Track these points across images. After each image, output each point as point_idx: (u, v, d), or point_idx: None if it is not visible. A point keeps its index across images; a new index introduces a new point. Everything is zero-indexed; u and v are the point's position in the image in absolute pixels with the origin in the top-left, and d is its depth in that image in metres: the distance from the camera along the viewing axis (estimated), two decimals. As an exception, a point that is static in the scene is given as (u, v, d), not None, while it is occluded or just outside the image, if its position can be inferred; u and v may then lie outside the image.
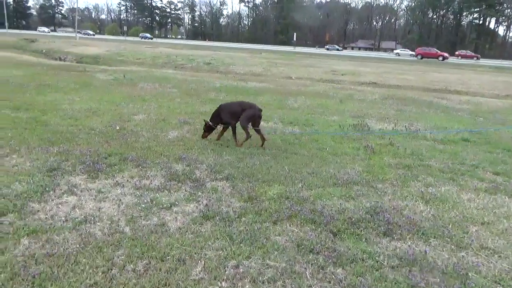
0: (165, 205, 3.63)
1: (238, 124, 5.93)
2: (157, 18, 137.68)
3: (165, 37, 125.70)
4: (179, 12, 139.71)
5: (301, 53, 55.42)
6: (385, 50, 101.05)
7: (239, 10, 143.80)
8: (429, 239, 3.28)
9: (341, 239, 3.20)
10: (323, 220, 3.46)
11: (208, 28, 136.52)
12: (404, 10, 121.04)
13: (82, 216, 3.30)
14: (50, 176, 4.14)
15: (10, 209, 3.30)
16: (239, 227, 3.29)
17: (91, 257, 2.71)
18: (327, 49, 77.14)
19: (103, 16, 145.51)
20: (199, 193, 3.98)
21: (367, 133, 7.37)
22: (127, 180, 4.21)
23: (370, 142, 6.59)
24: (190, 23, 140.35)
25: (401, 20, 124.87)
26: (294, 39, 72.88)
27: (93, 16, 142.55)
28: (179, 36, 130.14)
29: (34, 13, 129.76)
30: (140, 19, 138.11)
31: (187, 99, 10.19)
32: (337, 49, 77.63)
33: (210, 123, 5.93)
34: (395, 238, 3.26)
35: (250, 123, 5.82)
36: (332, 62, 38.25)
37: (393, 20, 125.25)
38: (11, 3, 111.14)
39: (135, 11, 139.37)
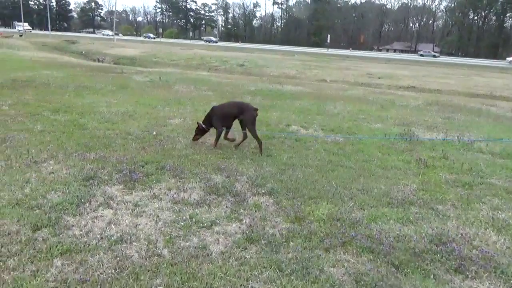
0: (205, 224, 3.34)
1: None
2: (191, 20, 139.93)
3: (199, 38, 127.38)
4: (212, 14, 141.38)
5: (335, 55, 54.44)
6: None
7: (272, 12, 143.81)
8: (510, 279, 2.80)
9: (405, 274, 2.78)
10: (382, 250, 3.05)
11: (241, 30, 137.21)
12: (443, 11, 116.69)
13: (118, 234, 3.07)
14: (86, 186, 3.96)
15: (44, 223, 3.12)
16: (288, 254, 2.94)
17: (127, 285, 2.45)
18: (434, 56, 66.72)
19: (139, 18, 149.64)
20: (241, 210, 3.67)
21: (415, 139, 6.82)
22: (165, 193, 3.96)
23: (421, 154, 6.06)
24: (223, 25, 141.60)
25: (440, 22, 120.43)
26: (328, 41, 71.80)
27: (130, 18, 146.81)
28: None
29: (75, 15, 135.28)
30: (175, 21, 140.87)
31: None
32: (434, 56, 67.73)
33: (203, 125, 5.65)
34: (469, 276, 2.81)
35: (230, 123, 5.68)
36: (367, 65, 37.21)
37: (430, 21, 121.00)
38: (54, 6, 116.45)
39: (170, 13, 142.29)
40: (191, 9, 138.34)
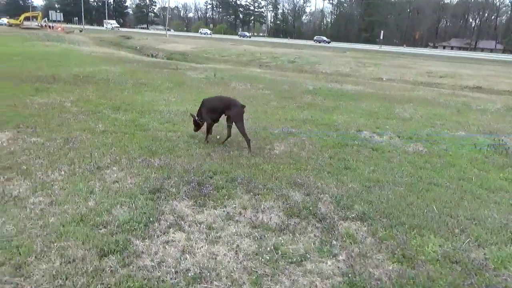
0: (294, 258, 2.77)
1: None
2: (240, 16, 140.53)
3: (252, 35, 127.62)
4: (262, 9, 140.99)
5: (388, 52, 51.88)
6: (482, 50, 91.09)
7: (323, 7, 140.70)
8: None
9: None
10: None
11: (290, 26, 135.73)
12: (508, 5, 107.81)
13: (196, 269, 2.58)
14: (153, 200, 3.54)
15: (112, 247, 2.70)
16: (407, 311, 2.30)
17: None
18: None
19: (190, 14, 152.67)
20: (333, 241, 3.06)
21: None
22: (240, 212, 3.44)
23: (529, 172, 5.11)
24: (272, 20, 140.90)
25: (503, 17, 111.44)
26: (381, 37, 68.77)
27: (181, 14, 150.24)
28: (261, 34, 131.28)
29: (131, 12, 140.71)
30: (225, 17, 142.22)
31: (283, 103, 9.38)
32: None
33: (197, 118, 5.59)
34: None
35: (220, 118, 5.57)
36: (426, 63, 34.95)
37: (493, 17, 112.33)
38: (112, 3, 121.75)
39: (220, 9, 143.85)
40: (241, 5, 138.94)
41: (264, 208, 3.56)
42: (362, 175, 4.62)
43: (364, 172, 4.73)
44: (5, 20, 68.84)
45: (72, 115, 6.62)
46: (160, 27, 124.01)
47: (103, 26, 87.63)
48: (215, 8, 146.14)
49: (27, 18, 63.27)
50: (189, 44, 48.25)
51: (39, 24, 61.98)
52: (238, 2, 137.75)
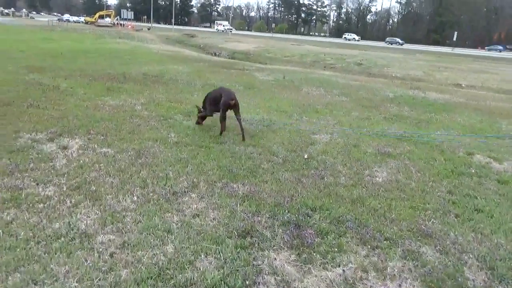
0: None
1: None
2: (302, 15, 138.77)
3: (308, 34, 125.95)
4: (325, 9, 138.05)
5: (461, 55, 47.78)
6: None
7: (390, 7, 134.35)
8: None
9: None
10: None
11: (353, 26, 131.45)
12: None
13: None
14: (244, 248, 2.77)
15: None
16: None
17: None
18: None
19: (252, 14, 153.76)
20: None
21: None
22: (360, 277, 2.55)
23: None
24: (335, 20, 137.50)
25: None
26: (454, 38, 63.85)
27: (243, 14, 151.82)
28: (322, 34, 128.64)
29: (195, 11, 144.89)
30: (286, 16, 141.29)
31: (365, 113, 8.30)
32: None
33: (202, 110, 5.88)
34: None
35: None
36: (507, 68, 31.32)
37: None
38: (178, 2, 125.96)
39: (282, 8, 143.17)
40: (303, 4, 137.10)
41: (391, 272, 2.64)
42: (505, 223, 3.51)
43: (505, 218, 3.61)
44: (82, 18, 73.75)
45: (143, 121, 6.14)
46: (223, 22, 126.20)
47: (170, 24, 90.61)
48: (277, 8, 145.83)
49: (101, 16, 67.10)
50: (251, 43, 48.03)
51: (111, 22, 65.53)
52: (301, 1, 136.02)
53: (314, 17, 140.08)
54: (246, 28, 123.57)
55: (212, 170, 4.21)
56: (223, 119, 5.46)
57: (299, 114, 7.60)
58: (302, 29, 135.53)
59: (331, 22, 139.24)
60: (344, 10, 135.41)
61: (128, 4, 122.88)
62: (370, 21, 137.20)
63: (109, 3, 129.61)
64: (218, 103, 5.46)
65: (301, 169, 4.50)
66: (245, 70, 14.92)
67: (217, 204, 3.41)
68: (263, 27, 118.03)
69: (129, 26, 62.36)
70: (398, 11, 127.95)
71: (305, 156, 4.89)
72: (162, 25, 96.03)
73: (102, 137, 5.11)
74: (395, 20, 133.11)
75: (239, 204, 3.44)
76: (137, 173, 3.97)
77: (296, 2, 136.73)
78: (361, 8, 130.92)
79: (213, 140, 5.33)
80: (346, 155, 5.11)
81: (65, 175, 3.81)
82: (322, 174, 4.36)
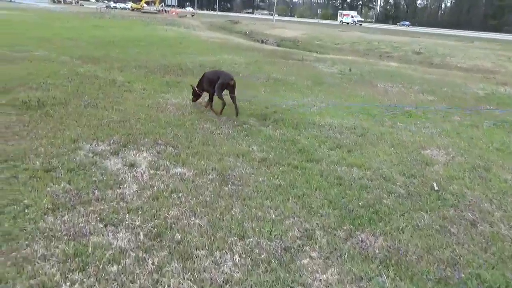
0: None
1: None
2: (348, 0, 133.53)
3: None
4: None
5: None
6: None
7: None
8: None
9: None
10: None
11: (402, 11, 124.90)
12: None
13: None
14: None
15: None
16: None
17: None
18: None
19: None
20: None
21: None
22: None
23: None
24: (382, 5, 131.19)
25: None
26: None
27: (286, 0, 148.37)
28: (368, 20, 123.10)
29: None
30: (330, 2, 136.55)
31: (467, 119, 6.90)
32: None
33: (196, 89, 5.99)
34: None
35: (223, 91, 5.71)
36: None
37: None
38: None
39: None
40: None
41: None
42: None
43: None
44: (129, 5, 74.75)
45: (215, 126, 5.21)
46: (265, 11, 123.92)
47: (213, 10, 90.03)
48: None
49: (147, 3, 67.58)
50: (297, 29, 46.26)
51: (156, 9, 65.84)
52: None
53: (360, 2, 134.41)
54: (289, 14, 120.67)
55: (323, 207, 3.18)
56: (218, 94, 5.65)
57: (390, 119, 6.38)
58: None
59: (377, 7, 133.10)
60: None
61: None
62: (420, 6, 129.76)
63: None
64: (213, 85, 5.67)
65: (437, 207, 3.35)
66: (304, 61, 13.70)
67: (353, 275, 2.37)
68: (306, 13, 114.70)
69: (173, 13, 62.35)
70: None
71: (435, 187, 3.72)
72: (205, 11, 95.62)
73: (173, 150, 4.21)
74: (448, 4, 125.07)
75: (384, 274, 2.38)
76: (228, 210, 3.01)
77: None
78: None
79: (302, 156, 4.28)
80: (484, 185, 3.90)
81: (139, 211, 2.93)
82: (470, 218, 3.20)
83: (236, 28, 51.02)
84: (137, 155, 4.03)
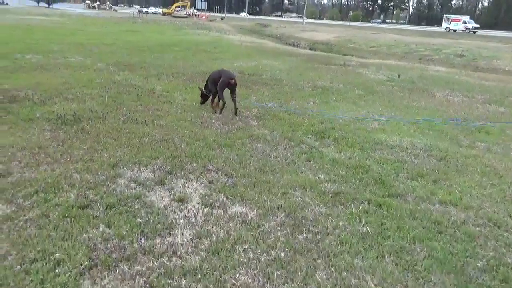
0: None
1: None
2: (379, 1, 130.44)
3: (384, 21, 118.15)
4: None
5: None
6: None
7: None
8: None
9: None
10: None
11: (435, 12, 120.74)
12: None
13: None
14: None
15: None
16: None
17: None
18: None
19: (324, 1, 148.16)
20: None
21: None
22: None
23: None
24: (414, 6, 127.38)
25: None
26: None
27: (315, 1, 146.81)
28: (401, 21, 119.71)
29: (267, 0, 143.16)
30: (361, 4, 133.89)
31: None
32: None
33: (204, 90, 5.95)
34: None
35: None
36: None
37: None
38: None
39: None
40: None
41: None
42: None
43: None
44: (160, 9, 75.91)
45: (269, 146, 4.53)
46: (294, 14, 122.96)
47: (242, 14, 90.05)
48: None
49: (177, 7, 68.26)
50: (329, 32, 45.20)
51: (186, 13, 66.34)
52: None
53: (392, 3, 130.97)
54: (318, 16, 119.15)
55: (431, 270, 2.41)
56: (219, 94, 5.65)
57: (466, 137, 5.50)
58: (382, 16, 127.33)
59: (410, 8, 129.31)
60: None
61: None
62: (455, 6, 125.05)
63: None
64: (217, 84, 5.63)
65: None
66: (346, 66, 12.85)
67: None
68: (336, 15, 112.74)
69: (203, 17, 62.61)
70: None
71: None
72: (234, 15, 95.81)
73: (226, 179, 3.56)
74: (485, 4, 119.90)
75: None
76: (311, 275, 2.31)
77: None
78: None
79: (381, 189, 3.52)
80: None
81: (197, 273, 2.27)
82: None
83: (266, 31, 50.53)
84: (186, 185, 3.40)
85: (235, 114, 5.73)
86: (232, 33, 34.60)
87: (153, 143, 4.37)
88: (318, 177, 3.72)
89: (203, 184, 3.44)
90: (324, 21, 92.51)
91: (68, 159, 3.78)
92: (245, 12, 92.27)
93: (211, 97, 5.96)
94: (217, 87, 5.61)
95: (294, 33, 45.47)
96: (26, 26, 21.48)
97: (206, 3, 79.07)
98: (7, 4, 69.80)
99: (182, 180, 3.50)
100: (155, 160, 3.88)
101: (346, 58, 16.19)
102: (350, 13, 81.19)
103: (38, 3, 78.84)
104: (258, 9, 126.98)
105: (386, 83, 9.93)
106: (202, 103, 6.11)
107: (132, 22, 36.81)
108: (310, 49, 29.62)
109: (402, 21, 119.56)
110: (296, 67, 11.62)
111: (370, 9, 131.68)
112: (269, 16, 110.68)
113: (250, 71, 10.08)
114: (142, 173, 3.60)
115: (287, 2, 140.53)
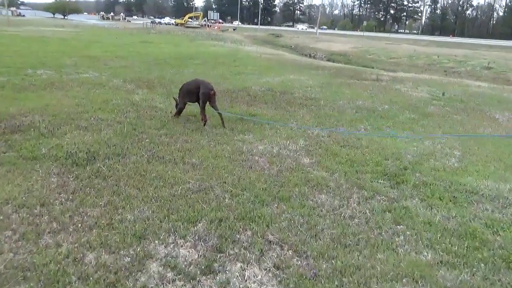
0: None
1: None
2: (391, 11, 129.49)
3: (396, 32, 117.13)
4: (417, 4, 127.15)
5: None
6: None
7: (494, 0, 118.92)
8: None
9: None
10: None
11: (450, 22, 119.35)
12: None
13: None
14: None
15: None
16: None
17: None
18: None
19: (335, 12, 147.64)
20: None
21: None
22: None
23: None
24: (428, 16, 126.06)
25: None
26: None
27: (327, 12, 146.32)
28: (414, 31, 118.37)
29: (278, 10, 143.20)
30: (373, 14, 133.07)
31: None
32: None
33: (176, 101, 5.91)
34: None
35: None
36: None
37: None
38: (262, 2, 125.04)
39: (368, 5, 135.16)
40: (393, 0, 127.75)
41: None
42: None
43: None
44: (172, 20, 75.99)
45: (337, 199, 3.49)
46: (305, 24, 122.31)
47: (253, 24, 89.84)
48: (362, 5, 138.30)
49: (190, 18, 68.17)
50: (344, 43, 44.33)
51: (199, 23, 66.16)
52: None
53: (405, 13, 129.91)
54: (327, 27, 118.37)
55: None
56: (203, 109, 5.46)
57: None
58: (396, 26, 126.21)
59: (423, 18, 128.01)
60: (439, 4, 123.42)
61: (213, 6, 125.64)
62: (470, 16, 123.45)
63: (196, 5, 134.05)
64: (193, 95, 5.57)
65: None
66: (380, 81, 11.79)
67: None
68: (348, 25, 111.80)
69: (216, 27, 62.30)
70: (506, 4, 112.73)
71: None
72: (246, 25, 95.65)
73: (300, 263, 2.52)
74: (500, 14, 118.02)
75: None
76: None
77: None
78: (461, 2, 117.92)
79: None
80: None
81: None
82: None
83: (280, 42, 49.73)
84: (246, 274, 2.38)
85: (223, 125, 5.56)
86: (247, 44, 33.87)
87: (188, 195, 3.36)
88: (424, 256, 2.66)
89: (270, 272, 2.41)
90: (335, 31, 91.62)
91: (79, 225, 2.79)
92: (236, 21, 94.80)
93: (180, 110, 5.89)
94: (201, 100, 5.43)
95: (309, 44, 44.64)
96: (41, 37, 20.94)
97: (218, 14, 78.99)
98: (23, 15, 70.49)
99: (239, 264, 2.47)
100: (194, 226, 2.87)
101: (373, 71, 15.13)
102: (364, 23, 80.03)
103: (54, 14, 79.65)
104: (269, 19, 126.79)
105: (433, 102, 8.84)
106: (175, 115, 5.92)
107: (146, 32, 36.36)
108: (328, 60, 28.69)
109: (414, 31, 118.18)
110: (327, 83, 10.60)
111: (382, 19, 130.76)
112: (280, 26, 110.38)
113: (279, 88, 9.10)
114: (180, 249, 2.59)
115: (298, 12, 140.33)
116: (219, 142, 4.92)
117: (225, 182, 3.68)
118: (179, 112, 5.91)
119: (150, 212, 3.04)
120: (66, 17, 76.55)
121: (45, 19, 62.62)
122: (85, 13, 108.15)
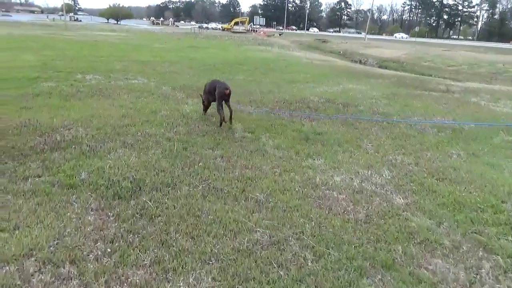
0: None
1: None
2: (445, 16, 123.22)
3: (448, 37, 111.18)
4: (473, 9, 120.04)
5: None
6: None
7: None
8: None
9: None
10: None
11: (509, 28, 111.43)
12: None
13: None
14: None
15: None
16: None
17: None
18: None
19: (384, 17, 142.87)
20: None
21: None
22: None
23: None
24: (485, 21, 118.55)
25: None
26: None
27: (375, 17, 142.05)
28: (469, 37, 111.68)
29: (324, 15, 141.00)
30: (424, 19, 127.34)
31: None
32: None
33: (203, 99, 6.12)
34: None
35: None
36: None
37: None
38: (308, 7, 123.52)
39: (419, 10, 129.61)
40: (446, 5, 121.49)
41: None
42: None
43: None
44: (219, 25, 76.80)
45: (457, 267, 2.52)
46: (352, 30, 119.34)
47: (299, 29, 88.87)
48: (413, 9, 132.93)
49: (236, 23, 68.41)
50: (395, 49, 42.11)
51: (245, 29, 66.18)
52: (445, 2, 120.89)
53: (459, 18, 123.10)
54: (377, 32, 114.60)
55: None
56: (218, 106, 5.55)
57: None
58: (451, 32, 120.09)
59: (479, 24, 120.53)
60: (497, 9, 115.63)
61: (259, 11, 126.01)
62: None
63: (242, 10, 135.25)
64: (212, 95, 5.70)
65: None
66: (451, 93, 10.46)
67: None
68: (397, 31, 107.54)
69: (261, 32, 61.94)
70: None
71: None
72: (291, 31, 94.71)
73: None
74: None
75: None
76: None
77: (437, 2, 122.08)
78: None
79: None
80: None
81: None
82: None
83: (327, 47, 48.24)
84: None
85: (230, 121, 5.66)
86: (294, 50, 33.01)
87: (257, 253, 2.54)
88: None
89: None
90: (383, 36, 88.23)
91: (118, 298, 2.04)
92: (315, 27, 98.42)
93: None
94: (217, 98, 5.59)
95: (358, 50, 42.87)
96: (94, 42, 21.32)
97: (264, 19, 78.78)
98: (80, 21, 74.17)
99: None
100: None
101: (439, 81, 13.69)
102: (416, 28, 76.39)
103: (107, 20, 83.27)
104: (315, 24, 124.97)
105: (525, 120, 7.47)
106: (204, 110, 6.20)
107: (193, 37, 36.55)
108: (379, 67, 27.15)
109: (469, 37, 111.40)
110: (392, 94, 9.46)
111: (434, 24, 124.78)
112: (325, 31, 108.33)
113: (341, 100, 8.13)
114: None
115: (345, 17, 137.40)
116: (285, 169, 4.08)
117: (302, 232, 2.82)
118: (205, 109, 6.16)
119: (210, 279, 2.24)
120: (119, 22, 79.69)
121: (99, 24, 65.38)
122: (136, 19, 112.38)
